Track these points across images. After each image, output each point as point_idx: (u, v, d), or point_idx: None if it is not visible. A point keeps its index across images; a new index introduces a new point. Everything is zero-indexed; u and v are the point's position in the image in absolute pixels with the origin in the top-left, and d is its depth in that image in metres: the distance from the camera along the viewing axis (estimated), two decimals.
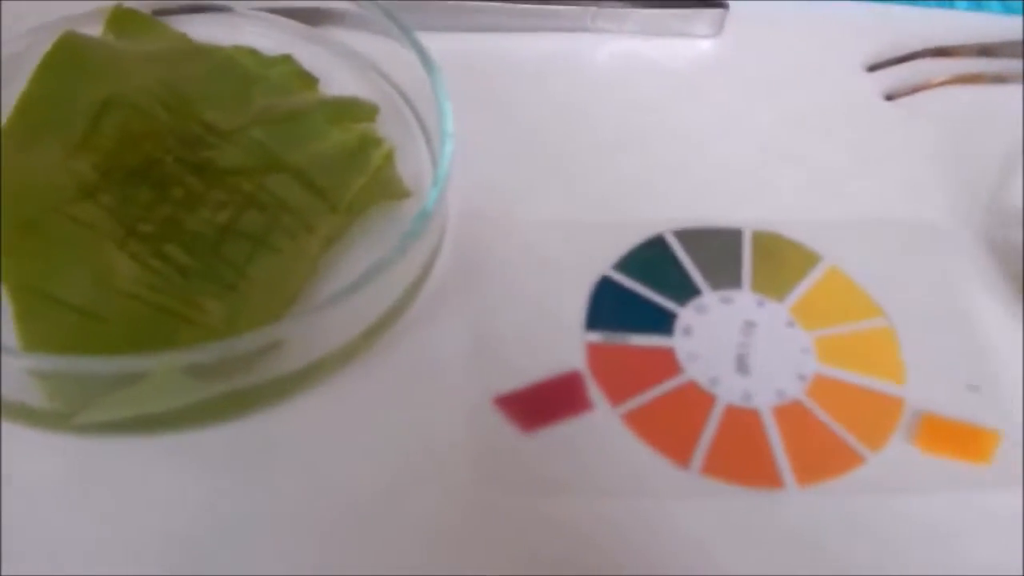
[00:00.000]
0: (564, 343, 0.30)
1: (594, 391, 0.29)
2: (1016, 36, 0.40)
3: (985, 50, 0.39)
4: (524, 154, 0.34)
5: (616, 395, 0.29)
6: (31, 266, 0.27)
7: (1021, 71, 0.39)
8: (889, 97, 0.38)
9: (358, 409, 0.28)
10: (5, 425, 0.26)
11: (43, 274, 0.27)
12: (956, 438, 0.29)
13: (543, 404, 0.28)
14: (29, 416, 0.26)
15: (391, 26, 0.31)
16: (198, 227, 0.29)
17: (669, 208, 0.33)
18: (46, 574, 0.25)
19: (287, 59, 0.34)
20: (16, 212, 0.28)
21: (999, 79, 0.38)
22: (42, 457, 0.26)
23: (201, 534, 0.25)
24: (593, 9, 0.38)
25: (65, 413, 0.25)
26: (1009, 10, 0.41)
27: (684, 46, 0.39)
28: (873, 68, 0.39)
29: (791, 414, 0.29)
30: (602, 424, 0.28)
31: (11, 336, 0.26)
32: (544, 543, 0.26)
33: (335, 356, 0.28)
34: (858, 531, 0.27)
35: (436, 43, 0.32)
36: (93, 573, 0.25)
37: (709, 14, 0.38)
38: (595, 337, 0.30)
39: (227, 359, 0.26)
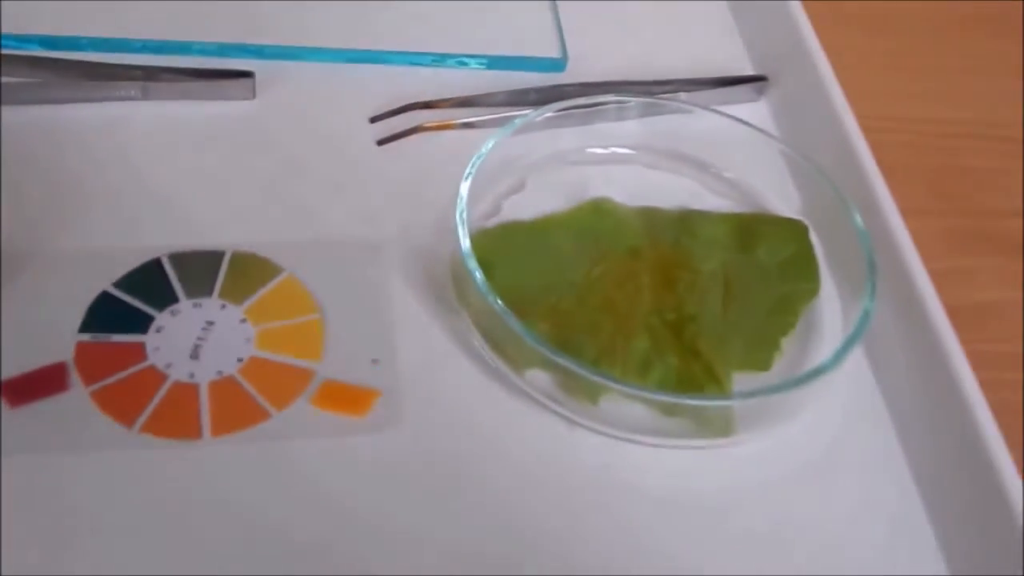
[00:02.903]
0: (60, 342, 0.41)
1: (74, 377, 0.40)
2: (488, 89, 0.52)
3: (464, 102, 0.51)
4: (68, 203, 0.45)
5: (90, 379, 0.40)
6: None
7: (489, 119, 0.51)
8: (380, 142, 0.50)
9: None
10: None
11: None
12: (344, 398, 0.40)
13: (31, 387, 0.39)
14: None
15: None
16: None
17: (173, 236, 0.44)
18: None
19: None
20: None
21: (468, 125, 0.50)
22: None
23: None
24: (142, 83, 0.48)
25: None
26: (493, 65, 0.53)
27: (225, 109, 0.50)
28: (374, 119, 0.51)
29: (222, 386, 0.40)
30: (74, 400, 0.39)
31: None
32: (22, 505, 0.37)
33: None
34: (256, 470, 0.39)
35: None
36: None
37: (239, 82, 0.49)
38: (85, 337, 0.41)
39: None
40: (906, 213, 0.46)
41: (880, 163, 0.48)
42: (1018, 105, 0.57)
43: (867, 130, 0.49)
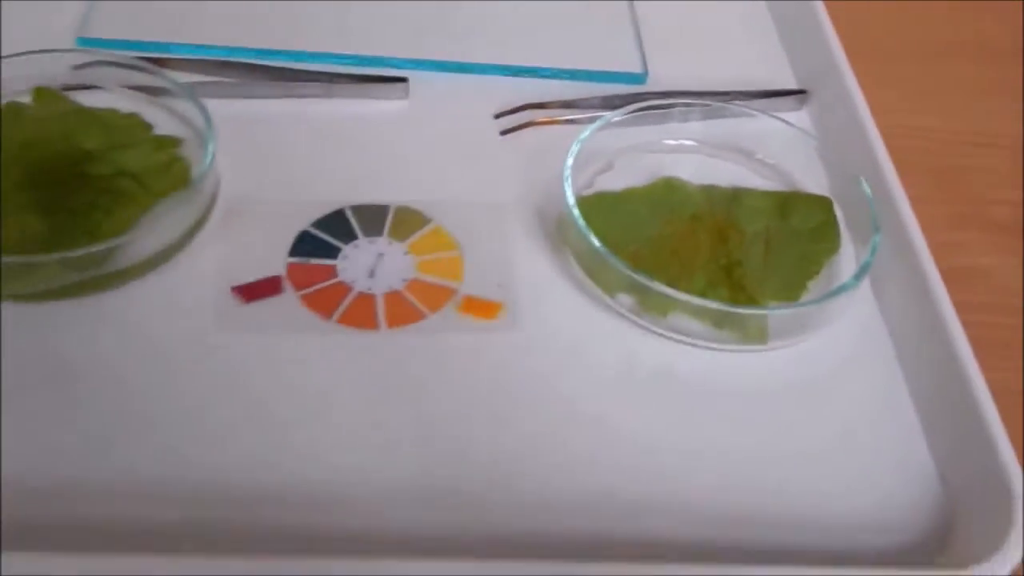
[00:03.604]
0: (275, 262, 0.56)
1: (287, 285, 0.56)
2: (586, 95, 0.67)
3: (567, 104, 0.67)
4: (276, 170, 0.60)
5: (299, 286, 0.56)
6: None
7: (586, 117, 0.66)
8: (503, 133, 0.66)
9: (156, 294, 0.55)
10: None
11: None
12: (479, 307, 0.55)
13: (257, 290, 0.55)
14: None
15: (189, 103, 0.59)
16: (85, 198, 0.56)
17: (352, 194, 0.60)
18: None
19: (134, 115, 0.62)
20: None
21: (571, 122, 0.66)
22: None
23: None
24: (325, 85, 0.65)
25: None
26: (590, 77, 0.69)
27: (386, 106, 0.66)
28: (498, 115, 0.66)
29: (392, 297, 0.56)
30: (288, 299, 0.55)
31: None
32: (254, 368, 0.53)
33: (138, 266, 0.55)
34: (417, 352, 0.54)
35: (224, 105, 0.60)
36: None
37: (397, 86, 0.66)
38: (294, 259, 0.57)
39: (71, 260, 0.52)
40: (914, 199, 0.59)
41: (894, 160, 0.61)
42: (1002, 118, 0.72)
43: (885, 135, 0.62)
